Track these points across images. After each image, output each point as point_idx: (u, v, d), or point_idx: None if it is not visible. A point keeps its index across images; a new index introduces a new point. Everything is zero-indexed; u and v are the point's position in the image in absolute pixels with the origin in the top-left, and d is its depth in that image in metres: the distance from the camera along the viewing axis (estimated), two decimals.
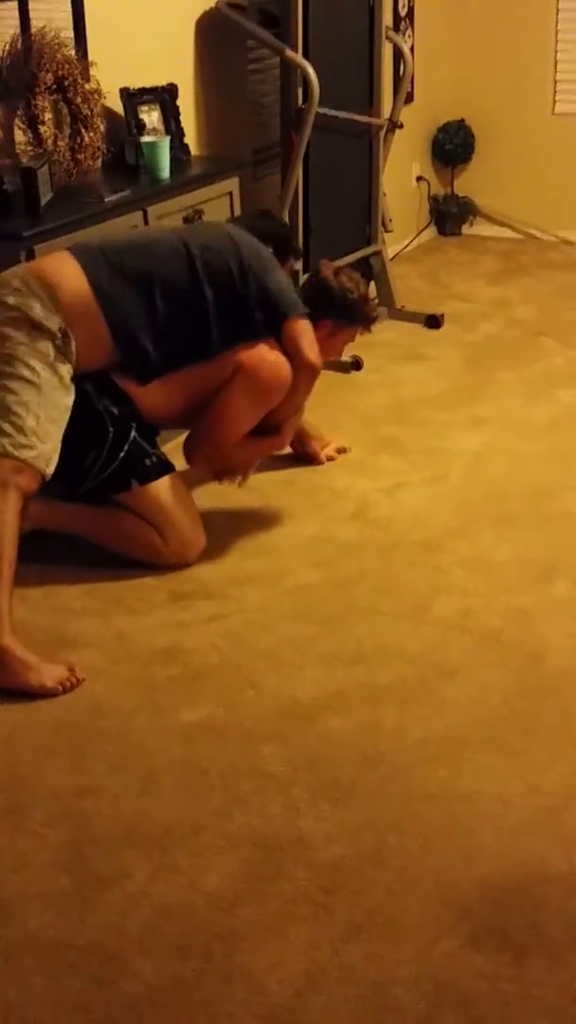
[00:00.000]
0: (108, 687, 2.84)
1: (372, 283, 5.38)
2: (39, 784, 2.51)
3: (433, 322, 5.26)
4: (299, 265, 4.70)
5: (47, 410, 3.09)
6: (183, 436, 3.53)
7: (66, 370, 3.14)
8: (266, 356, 3.36)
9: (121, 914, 2.17)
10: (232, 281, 3.32)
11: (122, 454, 3.24)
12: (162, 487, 3.30)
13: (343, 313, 3.61)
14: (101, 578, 3.28)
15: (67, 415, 3.14)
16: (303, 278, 3.69)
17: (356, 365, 4.77)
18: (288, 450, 3.80)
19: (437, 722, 2.67)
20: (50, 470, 3.07)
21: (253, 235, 3.47)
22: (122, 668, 2.91)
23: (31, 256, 3.46)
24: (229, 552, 3.45)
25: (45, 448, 3.06)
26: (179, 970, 2.05)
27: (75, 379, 3.17)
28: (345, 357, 4.75)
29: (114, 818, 2.41)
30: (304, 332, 3.41)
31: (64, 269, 3.19)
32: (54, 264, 3.21)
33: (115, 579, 3.28)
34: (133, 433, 3.26)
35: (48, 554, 3.31)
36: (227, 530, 3.56)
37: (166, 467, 3.33)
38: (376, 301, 5.35)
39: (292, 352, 3.39)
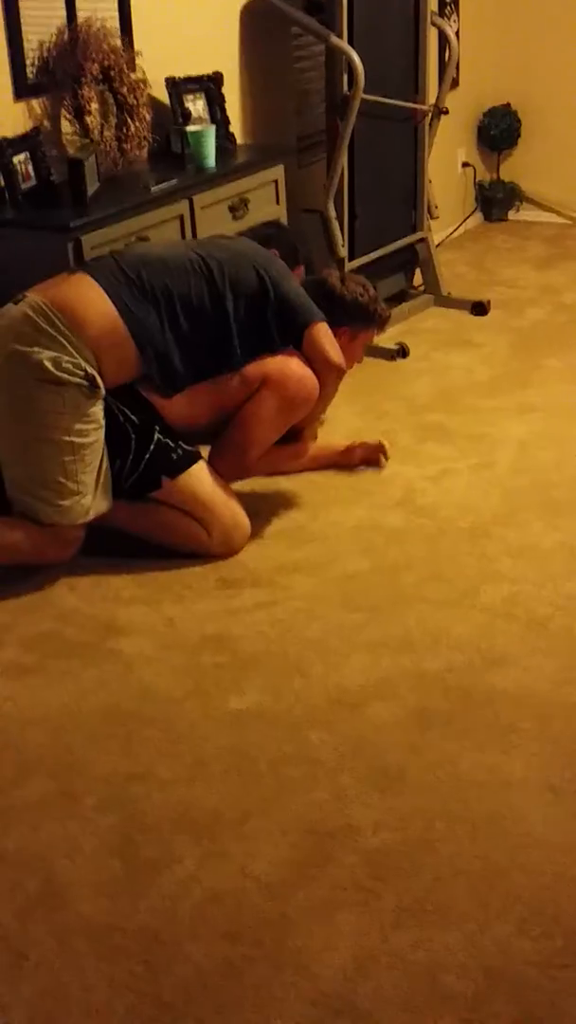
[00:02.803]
0: (157, 674, 2.86)
1: (418, 270, 5.38)
2: (89, 770, 2.53)
3: (479, 309, 5.24)
4: (345, 251, 4.72)
5: (83, 463, 3.15)
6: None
7: (95, 409, 3.16)
8: (292, 369, 3.38)
9: (171, 899, 2.19)
10: (254, 292, 3.34)
11: (147, 456, 3.25)
12: (194, 479, 3.31)
13: (358, 317, 3.61)
14: (150, 567, 3.30)
15: (100, 449, 3.20)
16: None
17: (402, 352, 4.76)
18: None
19: (485, 709, 2.67)
20: (91, 515, 3.20)
21: (259, 243, 3.51)
22: (171, 655, 2.93)
23: (78, 247, 3.48)
24: (276, 540, 3.46)
25: (84, 500, 3.17)
26: (229, 955, 2.07)
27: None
28: (391, 344, 4.76)
29: (163, 804, 2.43)
30: (325, 335, 3.43)
31: (86, 293, 3.17)
32: (75, 290, 3.18)
33: (164, 567, 3.30)
34: (156, 435, 3.26)
35: (96, 544, 3.32)
36: (274, 518, 3.57)
37: (193, 457, 3.34)
38: (423, 288, 5.37)
39: (315, 356, 3.41)
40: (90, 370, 3.12)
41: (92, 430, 3.16)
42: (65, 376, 3.08)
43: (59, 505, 3.15)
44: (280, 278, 3.40)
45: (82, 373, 3.11)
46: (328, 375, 3.44)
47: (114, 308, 3.17)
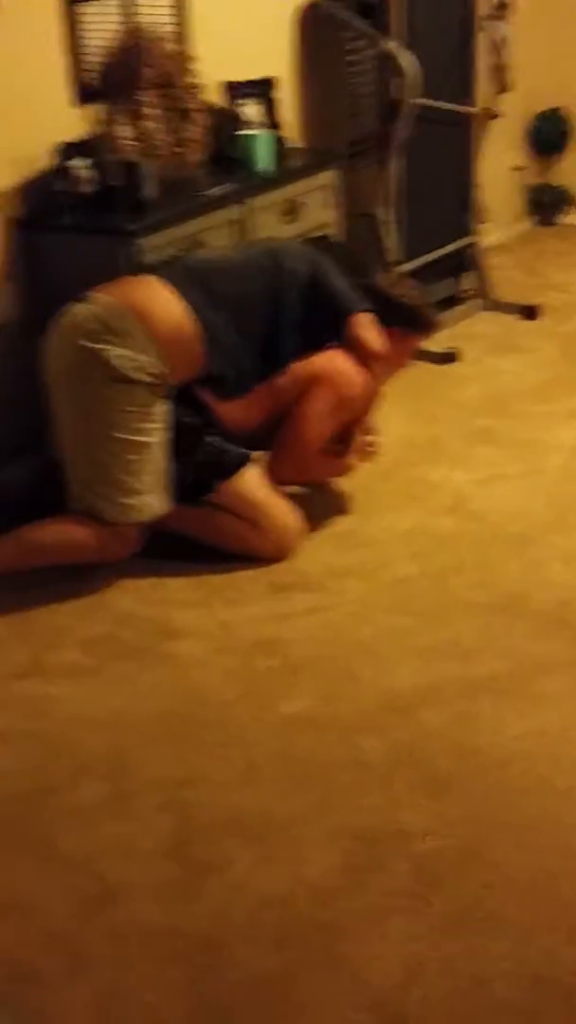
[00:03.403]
0: (210, 677, 2.89)
1: (468, 274, 5.38)
2: (144, 772, 2.57)
3: (529, 313, 5.23)
4: (396, 255, 4.72)
5: (148, 462, 3.18)
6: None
7: (162, 408, 3.19)
8: (339, 365, 3.42)
9: (225, 903, 2.21)
10: (305, 283, 3.38)
11: (201, 458, 3.29)
12: (246, 482, 3.34)
13: (407, 320, 3.62)
14: (203, 570, 3.33)
15: (164, 449, 3.22)
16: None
17: (452, 357, 4.77)
18: None
19: (535, 716, 2.68)
20: (154, 514, 3.22)
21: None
22: (224, 659, 2.96)
23: (136, 251, 3.50)
24: (328, 545, 3.48)
25: (146, 499, 3.20)
26: (281, 960, 2.09)
27: None
28: (441, 349, 4.76)
29: (216, 807, 2.46)
30: (366, 325, 3.44)
31: (156, 293, 3.20)
32: (144, 290, 3.22)
33: (216, 571, 3.33)
34: (210, 437, 3.30)
35: (150, 547, 3.35)
36: (325, 522, 3.59)
37: (245, 460, 3.36)
38: (473, 292, 5.37)
39: (356, 344, 3.42)
40: (159, 369, 3.14)
41: (157, 430, 3.19)
42: (135, 374, 3.11)
43: (122, 503, 3.18)
44: (328, 270, 3.43)
45: (152, 372, 3.13)
46: (371, 364, 3.45)
47: (183, 308, 3.20)
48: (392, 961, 2.08)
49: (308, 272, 3.39)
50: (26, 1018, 2.01)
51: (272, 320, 3.34)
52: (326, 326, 3.42)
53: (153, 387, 3.14)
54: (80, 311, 3.18)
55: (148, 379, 3.13)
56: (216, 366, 3.26)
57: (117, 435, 3.14)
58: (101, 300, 3.17)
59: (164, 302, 3.19)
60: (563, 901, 2.18)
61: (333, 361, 3.42)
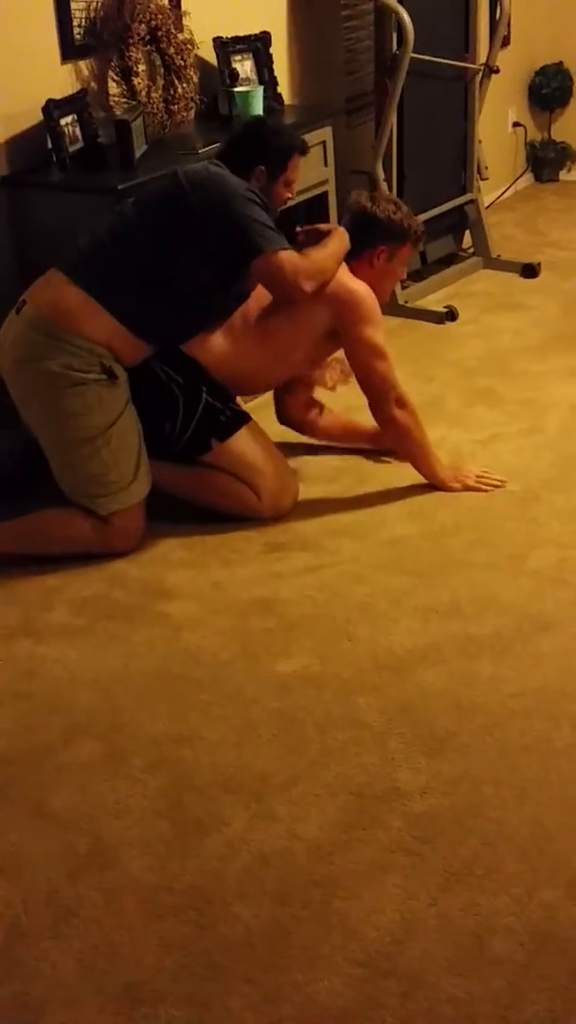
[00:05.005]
0: (205, 637, 2.86)
1: (467, 232, 5.33)
2: (138, 731, 2.55)
3: (530, 271, 5.18)
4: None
5: (122, 452, 3.16)
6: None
7: (120, 391, 3.16)
8: (348, 283, 3.31)
9: (220, 860, 2.20)
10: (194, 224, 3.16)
11: (196, 417, 3.25)
12: (243, 441, 3.31)
13: (393, 234, 3.44)
14: (196, 530, 3.31)
15: (137, 425, 3.21)
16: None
17: (451, 315, 4.72)
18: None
19: (534, 674, 2.66)
20: (144, 491, 3.21)
21: (240, 151, 3.29)
22: (218, 619, 2.93)
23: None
24: (324, 504, 3.45)
25: (132, 484, 3.18)
26: (277, 915, 2.07)
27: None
28: (440, 307, 4.72)
29: (211, 766, 2.44)
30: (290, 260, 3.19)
31: (69, 293, 3.10)
32: (62, 291, 3.11)
33: (210, 531, 3.30)
34: (204, 396, 3.26)
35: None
36: (322, 482, 3.56)
37: (242, 418, 3.33)
38: (472, 250, 5.32)
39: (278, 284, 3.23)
40: (106, 363, 3.12)
41: (116, 411, 3.16)
42: (81, 375, 3.09)
43: (109, 496, 3.17)
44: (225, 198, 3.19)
45: (98, 367, 3.11)
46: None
47: (99, 305, 3.10)
48: (389, 916, 2.06)
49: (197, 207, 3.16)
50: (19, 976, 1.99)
51: (176, 260, 3.18)
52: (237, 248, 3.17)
53: (104, 380, 3.12)
54: (17, 327, 3.15)
55: (97, 375, 3.11)
56: (150, 335, 3.19)
57: (84, 436, 3.13)
58: (30, 317, 3.12)
59: (76, 298, 3.10)
60: (562, 857, 2.16)
61: (346, 285, 3.31)
